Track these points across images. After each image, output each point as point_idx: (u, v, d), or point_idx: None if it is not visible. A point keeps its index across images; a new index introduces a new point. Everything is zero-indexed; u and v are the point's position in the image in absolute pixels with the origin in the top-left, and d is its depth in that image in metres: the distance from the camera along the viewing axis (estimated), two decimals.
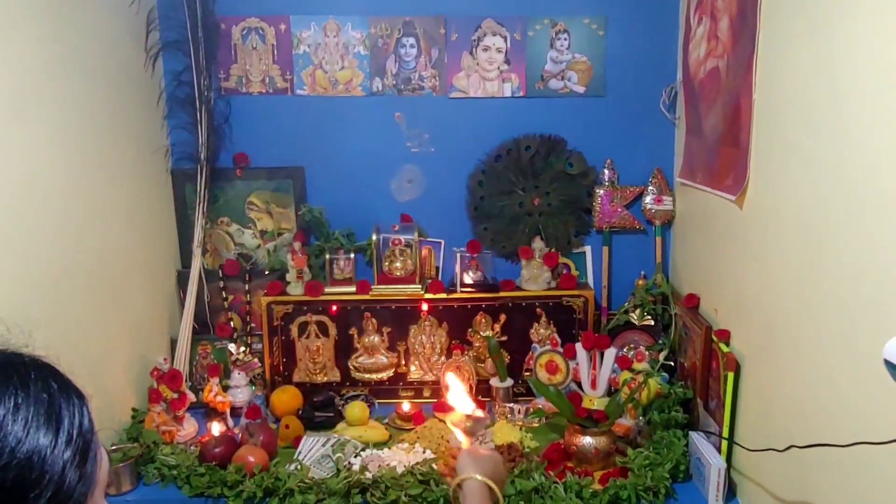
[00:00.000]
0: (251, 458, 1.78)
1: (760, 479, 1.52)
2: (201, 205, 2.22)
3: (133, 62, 2.08)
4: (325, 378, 2.24)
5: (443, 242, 2.29)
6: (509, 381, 2.16)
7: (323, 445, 1.91)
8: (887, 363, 0.91)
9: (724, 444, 1.66)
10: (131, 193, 2.05)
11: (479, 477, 1.15)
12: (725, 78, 1.71)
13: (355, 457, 1.86)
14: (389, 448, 1.91)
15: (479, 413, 1.39)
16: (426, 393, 2.24)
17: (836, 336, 1.18)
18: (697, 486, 1.69)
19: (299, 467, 1.77)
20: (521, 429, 1.98)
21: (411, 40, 2.17)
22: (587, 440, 1.76)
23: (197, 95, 2.17)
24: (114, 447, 1.81)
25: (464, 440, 1.27)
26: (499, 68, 2.18)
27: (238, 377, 2.15)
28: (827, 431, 1.19)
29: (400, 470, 1.76)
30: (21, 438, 0.54)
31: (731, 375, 1.64)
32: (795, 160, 1.34)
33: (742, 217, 1.63)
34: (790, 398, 1.38)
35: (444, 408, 2.13)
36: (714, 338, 1.77)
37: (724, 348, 1.69)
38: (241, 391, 2.14)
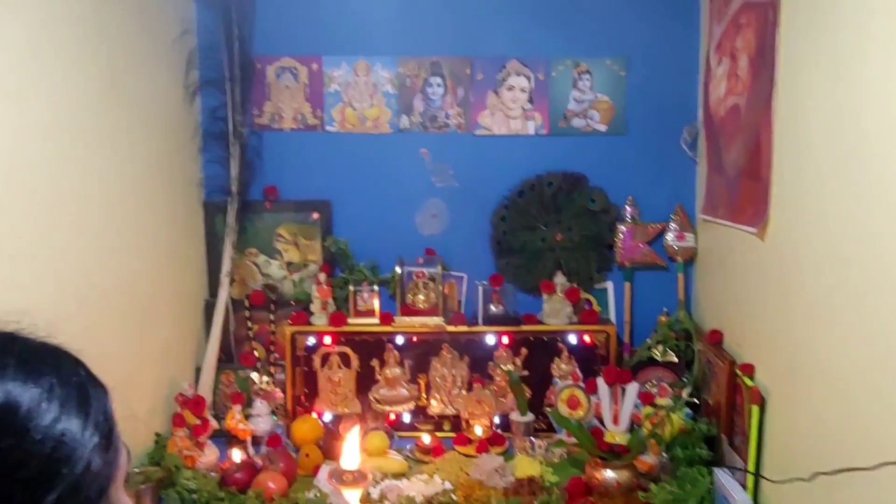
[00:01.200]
0: (271, 485, 1.79)
1: None
2: (231, 236, 2.28)
3: (173, 98, 2.18)
4: (346, 409, 2.24)
5: (466, 276, 2.32)
6: (530, 416, 2.14)
7: None
8: None
9: (750, 480, 1.63)
10: (165, 223, 2.12)
11: None
12: (745, 114, 1.75)
13: (374, 486, 1.85)
14: (408, 479, 1.90)
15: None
16: (446, 426, 2.23)
17: (860, 364, 1.18)
18: None
19: (318, 494, 1.77)
20: (541, 463, 1.96)
21: (438, 80, 2.25)
22: (609, 473, 1.74)
23: (231, 131, 2.26)
24: (136, 470, 1.83)
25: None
26: (522, 107, 2.25)
27: (260, 406, 2.16)
28: (854, 460, 1.17)
29: (419, 500, 1.74)
30: (56, 417, 0.56)
31: (755, 409, 1.62)
32: (816, 192, 1.36)
33: (764, 249, 1.64)
34: (816, 430, 1.35)
35: (464, 441, 2.13)
36: (738, 372, 1.75)
37: (749, 382, 1.68)
38: (262, 420, 2.15)
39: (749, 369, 1.71)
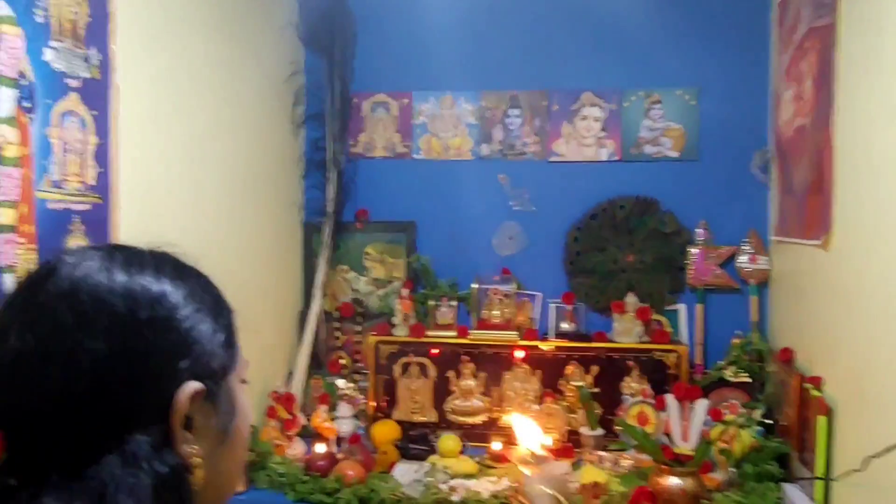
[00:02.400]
0: (350, 472, 1.93)
1: None
2: (325, 253, 2.52)
3: (281, 130, 2.48)
4: (423, 418, 2.38)
5: (540, 295, 2.43)
6: (599, 431, 2.19)
7: (416, 472, 2.03)
8: None
9: (819, 492, 1.62)
10: (269, 240, 2.38)
11: (548, 490, 1.19)
12: (810, 133, 1.81)
13: (444, 483, 1.95)
14: (477, 479, 1.99)
15: (543, 451, 1.44)
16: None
17: None
18: None
19: (394, 483, 1.90)
20: (608, 474, 2.00)
21: (516, 111, 2.44)
22: (674, 481, 1.76)
23: (330, 159, 2.53)
24: None
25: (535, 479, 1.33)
26: (596, 135, 2.38)
27: (344, 409, 2.33)
28: None
29: (485, 496, 1.83)
30: (195, 312, 0.67)
31: (822, 420, 1.62)
32: (876, 202, 1.40)
33: (828, 261, 1.67)
34: (883, 439, 1.35)
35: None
36: (807, 385, 1.75)
37: (816, 393, 1.68)
38: (345, 422, 2.31)
39: (817, 381, 1.71)
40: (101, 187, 1.55)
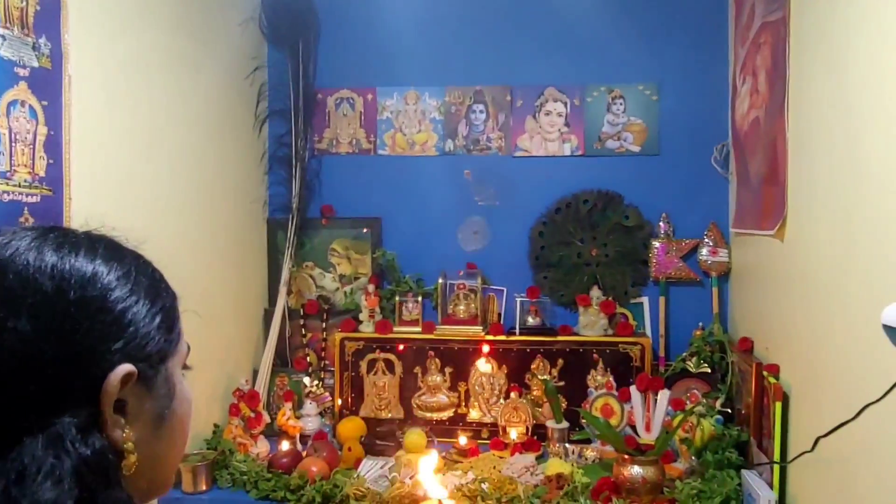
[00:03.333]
0: (314, 468, 1.91)
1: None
2: (290, 250, 2.50)
3: (244, 125, 2.45)
4: (390, 414, 2.37)
5: (505, 290, 2.43)
6: (565, 424, 2.20)
7: (381, 468, 2.02)
8: (886, 328, 0.97)
9: (776, 477, 1.64)
10: (232, 236, 2.35)
11: None
12: (764, 124, 1.84)
13: (410, 478, 1.94)
14: (443, 474, 1.99)
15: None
16: (484, 434, 2.31)
17: (873, 357, 1.19)
18: None
19: (357, 477, 1.88)
20: (572, 465, 2.01)
21: (481, 106, 2.44)
22: (635, 469, 1.78)
23: (294, 155, 2.51)
24: (194, 452, 1.99)
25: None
26: (559, 130, 2.40)
27: (310, 407, 2.31)
28: (867, 448, 1.20)
29: (450, 489, 1.83)
30: (128, 294, 0.65)
31: (778, 405, 1.65)
32: (827, 190, 1.43)
33: (783, 251, 1.70)
34: (835, 421, 1.38)
35: (499, 445, 2.20)
36: (764, 373, 1.78)
37: (773, 380, 1.71)
38: (311, 420, 2.29)
39: (774, 369, 1.74)
40: (52, 179, 1.51)
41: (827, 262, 1.43)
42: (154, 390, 0.65)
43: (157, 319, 0.67)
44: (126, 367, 0.60)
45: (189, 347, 0.73)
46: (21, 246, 0.62)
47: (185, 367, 0.72)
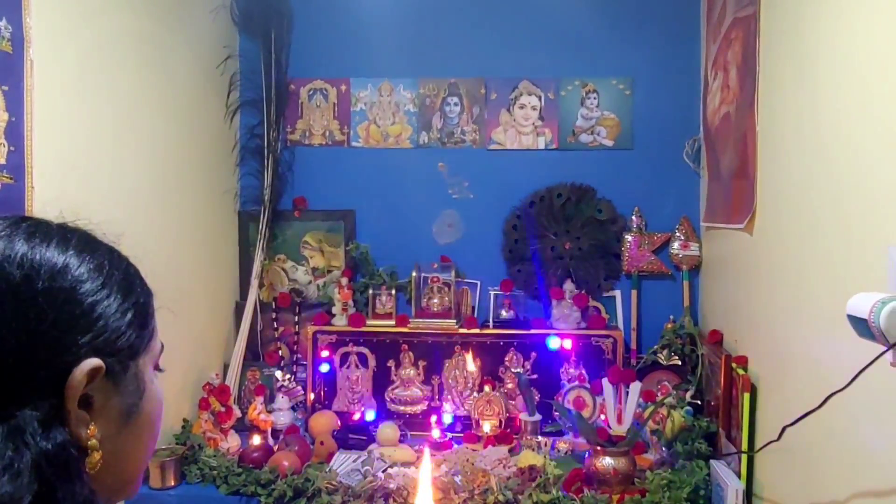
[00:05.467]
0: (285, 463, 1.89)
1: (774, 492, 1.53)
2: (262, 242, 2.46)
3: (215, 116, 2.41)
4: (362, 408, 2.35)
5: (479, 283, 2.43)
6: (538, 416, 2.21)
7: (353, 461, 2.01)
8: (850, 318, 0.98)
9: (744, 467, 1.67)
10: (202, 229, 2.31)
11: None
12: (735, 120, 1.86)
13: (383, 471, 1.93)
14: (416, 467, 1.98)
15: None
16: (457, 428, 2.31)
17: (836, 348, 1.22)
18: None
19: (329, 472, 1.87)
20: (545, 457, 2.02)
21: (455, 99, 2.44)
22: (607, 460, 1.79)
23: (266, 146, 2.47)
24: (162, 447, 1.96)
25: None
26: (534, 124, 2.40)
27: (282, 401, 2.29)
28: (835, 431, 1.22)
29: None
30: (100, 287, 0.64)
31: (746, 396, 1.67)
32: (795, 185, 1.45)
33: (752, 244, 1.72)
34: (800, 411, 1.40)
35: (473, 439, 2.20)
36: (733, 364, 1.81)
37: (741, 372, 1.73)
38: (283, 414, 2.27)
39: (742, 360, 1.77)
40: (14, 166, 1.47)
41: (794, 255, 1.45)
42: (122, 387, 0.63)
43: (129, 315, 0.66)
44: (93, 362, 0.59)
45: (163, 347, 0.72)
46: None
47: (157, 368, 0.71)
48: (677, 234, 2.31)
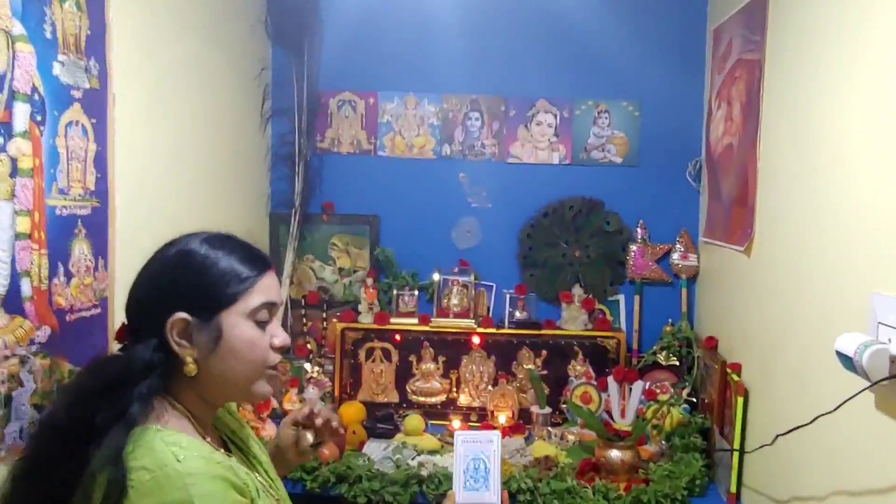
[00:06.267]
0: (325, 451, 2.10)
1: (762, 486, 1.77)
2: (292, 243, 2.64)
3: (250, 124, 2.56)
4: (386, 399, 2.57)
5: (494, 286, 2.64)
6: (548, 409, 2.43)
7: (384, 450, 2.22)
8: (838, 353, 1.20)
9: (736, 463, 1.91)
10: (238, 230, 2.44)
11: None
12: (737, 152, 2.07)
13: (412, 459, 2.15)
14: (441, 455, 2.21)
15: None
16: (473, 417, 2.53)
17: (822, 363, 1.43)
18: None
19: (367, 460, 2.08)
20: (556, 447, 2.25)
21: (476, 114, 2.61)
22: (615, 453, 2.02)
23: (297, 153, 2.64)
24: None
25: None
26: (549, 140, 2.59)
27: (312, 391, 2.49)
28: (815, 433, 1.45)
29: (451, 470, 2.04)
30: (195, 272, 1.09)
31: (741, 400, 1.91)
32: (791, 216, 1.66)
33: (750, 265, 1.94)
34: (788, 415, 1.63)
35: (489, 428, 2.42)
36: (728, 370, 2.04)
37: (736, 378, 1.97)
38: (318, 409, 2.46)
39: (736, 367, 2.00)
40: (100, 192, 1.63)
41: (788, 283, 1.67)
42: (206, 330, 1.06)
43: (208, 290, 1.07)
44: (180, 315, 1.05)
45: (263, 305, 1.11)
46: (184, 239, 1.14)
47: (257, 321, 1.10)
48: (678, 245, 2.53)
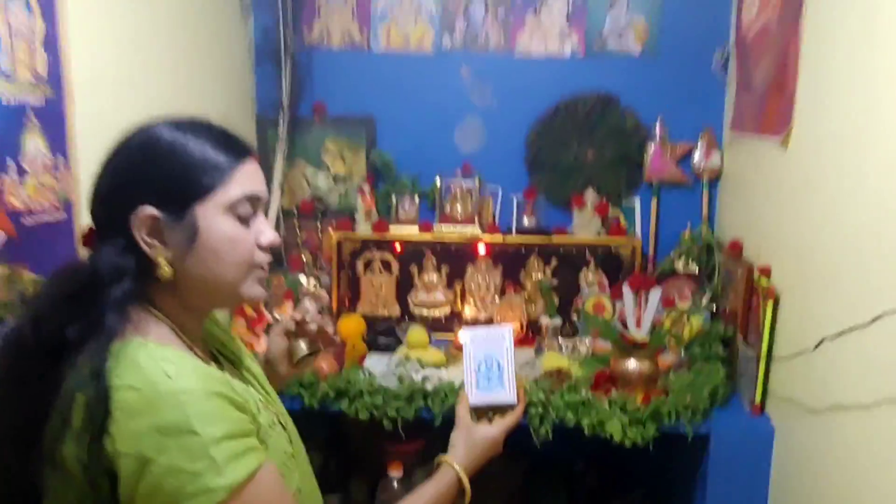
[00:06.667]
0: (324, 365, 1.98)
1: (792, 395, 1.66)
2: (282, 149, 2.44)
3: (231, 15, 2.31)
4: (387, 312, 2.44)
5: (500, 191, 2.46)
6: (558, 319, 2.31)
7: (387, 364, 2.11)
8: None
9: (762, 371, 1.79)
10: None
11: (456, 466, 1.32)
12: (775, 32, 1.84)
13: (416, 373, 2.04)
14: (446, 369, 2.09)
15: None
16: None
17: (865, 262, 1.29)
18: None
19: (368, 374, 1.97)
20: (568, 359, 2.14)
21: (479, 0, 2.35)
22: (632, 363, 1.90)
23: (282, 48, 2.39)
24: None
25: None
26: (560, 28, 2.34)
27: (308, 305, 2.36)
28: (861, 339, 1.31)
29: (457, 384, 1.93)
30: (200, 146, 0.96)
31: (770, 304, 1.76)
32: (836, 101, 1.47)
33: (785, 158, 1.75)
34: (823, 322, 1.49)
35: None
36: (756, 275, 1.89)
37: (765, 283, 1.82)
38: (310, 318, 2.34)
39: (766, 271, 1.85)
40: (54, 79, 1.43)
41: (829, 172, 1.49)
42: (179, 226, 0.93)
43: (180, 181, 0.94)
44: (147, 209, 0.92)
45: (244, 197, 0.97)
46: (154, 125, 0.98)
47: (238, 217, 0.97)
48: (700, 143, 2.33)
